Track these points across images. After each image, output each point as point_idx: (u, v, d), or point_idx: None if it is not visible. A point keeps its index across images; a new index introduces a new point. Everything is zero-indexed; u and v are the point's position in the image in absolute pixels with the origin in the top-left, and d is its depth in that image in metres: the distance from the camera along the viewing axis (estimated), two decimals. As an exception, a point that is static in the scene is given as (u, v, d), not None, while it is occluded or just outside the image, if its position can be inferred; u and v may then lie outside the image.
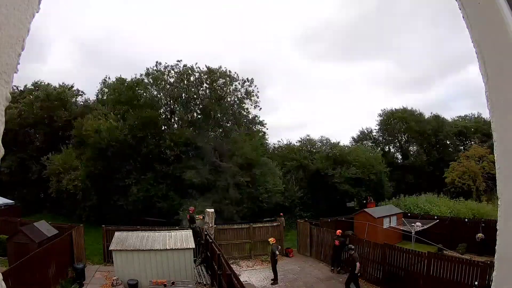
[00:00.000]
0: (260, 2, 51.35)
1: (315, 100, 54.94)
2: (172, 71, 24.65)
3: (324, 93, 54.57)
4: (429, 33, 49.19)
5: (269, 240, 14.03)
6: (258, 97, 25.74)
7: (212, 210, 15.81)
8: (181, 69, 24.66)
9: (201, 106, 24.60)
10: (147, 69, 24.93)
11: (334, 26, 49.37)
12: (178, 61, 24.67)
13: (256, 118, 26.67)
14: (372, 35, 50.39)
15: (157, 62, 24.65)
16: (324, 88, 54.99)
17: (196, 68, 24.72)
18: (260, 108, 26.41)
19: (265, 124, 27.30)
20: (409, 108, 36.66)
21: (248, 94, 25.47)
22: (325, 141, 31.05)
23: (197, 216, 15.56)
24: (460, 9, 0.93)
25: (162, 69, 24.68)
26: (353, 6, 50.41)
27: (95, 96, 29.23)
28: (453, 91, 49.67)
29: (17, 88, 27.84)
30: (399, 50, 50.66)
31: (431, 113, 36.94)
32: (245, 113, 26.06)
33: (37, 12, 0.79)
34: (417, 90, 50.42)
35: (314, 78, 53.62)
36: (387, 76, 51.29)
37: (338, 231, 14.78)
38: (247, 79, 25.48)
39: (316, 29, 49.54)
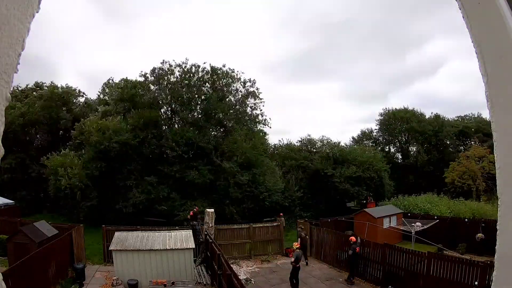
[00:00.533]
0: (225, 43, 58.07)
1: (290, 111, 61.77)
2: (176, 70, 24.63)
3: (295, 105, 62.82)
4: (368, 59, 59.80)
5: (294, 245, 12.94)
6: (261, 98, 25.80)
7: (212, 210, 15.80)
8: (188, 67, 24.66)
9: (202, 105, 24.60)
10: (153, 68, 24.97)
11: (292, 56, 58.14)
12: (186, 58, 24.86)
13: (261, 117, 26.60)
14: (323, 62, 60.86)
15: (163, 60, 24.74)
16: (293, 102, 63.68)
17: (202, 67, 24.80)
18: (261, 110, 26.41)
19: (269, 123, 27.14)
20: (410, 108, 36.80)
21: (250, 93, 25.50)
22: (325, 141, 31.09)
23: (199, 216, 15.56)
24: (460, 9, 0.93)
25: (167, 67, 24.67)
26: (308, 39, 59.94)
27: (97, 96, 29.31)
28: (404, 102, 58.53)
29: (18, 88, 27.86)
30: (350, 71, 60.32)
31: (432, 113, 37.07)
32: (249, 112, 26.07)
33: (37, 12, 0.79)
34: (375, 102, 60.49)
35: (283, 95, 60.89)
36: (345, 92, 61.13)
37: (352, 238, 13.52)
38: (249, 79, 25.57)
39: (280, 58, 58.83)
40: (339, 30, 59.78)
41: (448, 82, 58.94)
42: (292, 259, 11.95)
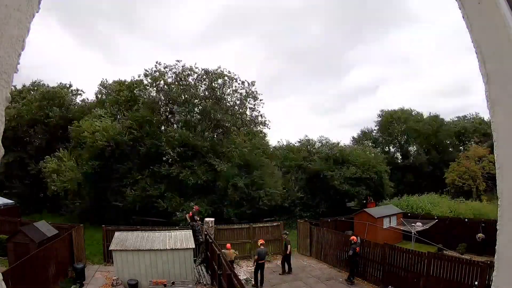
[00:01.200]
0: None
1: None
2: (170, 72, 24.52)
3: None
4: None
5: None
6: (261, 100, 25.71)
7: (213, 219, 15.95)
8: (180, 69, 24.57)
9: (200, 106, 24.52)
10: (146, 70, 24.80)
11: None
12: (177, 61, 24.58)
13: (260, 118, 26.42)
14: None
15: (156, 62, 24.62)
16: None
17: (195, 68, 24.66)
18: (259, 112, 26.31)
19: (268, 124, 26.93)
20: (406, 108, 36.86)
21: (250, 94, 25.40)
22: (324, 142, 31.07)
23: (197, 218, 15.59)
24: (460, 9, 0.93)
25: (161, 69, 24.57)
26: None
27: (94, 96, 29.25)
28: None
29: (15, 88, 27.81)
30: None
31: (430, 113, 37.10)
32: (247, 113, 25.97)
33: (37, 12, 0.79)
34: (337, 112, 65.46)
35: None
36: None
37: (354, 238, 13.62)
38: (246, 80, 25.48)
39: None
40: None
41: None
42: (256, 256, 12.80)
